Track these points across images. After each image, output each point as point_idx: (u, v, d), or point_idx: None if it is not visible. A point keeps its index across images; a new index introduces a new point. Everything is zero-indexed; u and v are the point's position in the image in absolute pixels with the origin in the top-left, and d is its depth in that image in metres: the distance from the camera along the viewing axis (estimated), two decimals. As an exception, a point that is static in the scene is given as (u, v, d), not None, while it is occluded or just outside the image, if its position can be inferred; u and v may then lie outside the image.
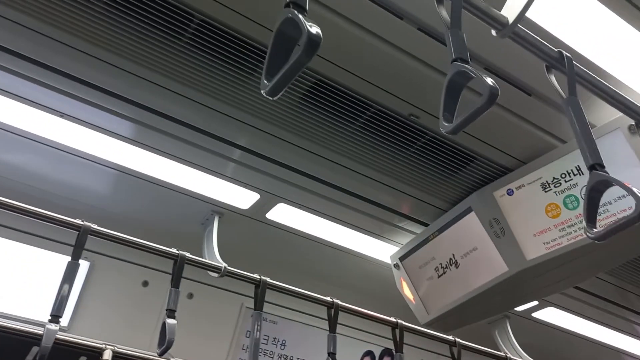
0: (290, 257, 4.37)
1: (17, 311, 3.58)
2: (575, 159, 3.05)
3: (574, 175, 3.08)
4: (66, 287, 2.05)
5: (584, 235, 1.91)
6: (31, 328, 2.09)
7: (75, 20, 2.54)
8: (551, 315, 5.16)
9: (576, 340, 5.64)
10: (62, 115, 3.02)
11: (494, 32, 1.58)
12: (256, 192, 3.68)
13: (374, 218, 3.90)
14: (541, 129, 3.13)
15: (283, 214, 3.89)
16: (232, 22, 2.54)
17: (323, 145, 3.25)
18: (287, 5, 0.98)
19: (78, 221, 2.22)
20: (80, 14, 2.51)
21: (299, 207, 3.82)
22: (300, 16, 0.93)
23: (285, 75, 0.92)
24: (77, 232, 2.18)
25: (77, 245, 2.17)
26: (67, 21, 2.54)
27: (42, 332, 1.93)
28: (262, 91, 0.97)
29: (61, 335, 2.04)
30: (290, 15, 0.95)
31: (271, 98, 0.97)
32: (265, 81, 0.96)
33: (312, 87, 2.87)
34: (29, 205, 2.13)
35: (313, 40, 0.89)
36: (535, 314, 5.12)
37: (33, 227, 3.64)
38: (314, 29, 0.89)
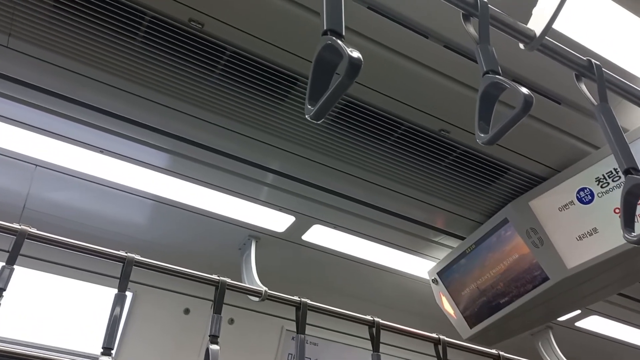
0: (327, 277, 4.39)
1: (65, 344, 3.67)
2: (610, 164, 3.03)
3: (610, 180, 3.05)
4: (115, 319, 2.10)
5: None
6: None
7: (111, 59, 2.65)
8: (595, 323, 5.06)
9: (621, 348, 5.51)
10: (102, 151, 3.13)
11: (521, 46, 1.61)
12: (291, 214, 3.72)
13: (410, 234, 3.90)
14: (573, 136, 3.13)
15: (319, 235, 3.93)
16: (262, 51, 2.63)
17: (355, 165, 3.29)
18: (324, 33, 1.02)
19: (122, 253, 2.27)
20: (116, 53, 2.62)
21: (334, 227, 3.85)
22: (340, 42, 0.98)
23: (328, 99, 0.97)
24: (122, 264, 2.24)
25: (123, 277, 2.22)
26: (104, 60, 2.65)
27: (96, 365, 1.97)
28: (306, 115, 1.01)
29: (113, 367, 2.08)
30: (329, 42, 0.99)
31: (316, 121, 1.01)
32: (309, 106, 1.00)
33: (342, 108, 2.93)
34: (70, 239, 2.20)
35: (354, 64, 0.93)
36: (578, 323, 5.03)
37: (75, 261, 3.72)
38: (355, 54, 0.93)
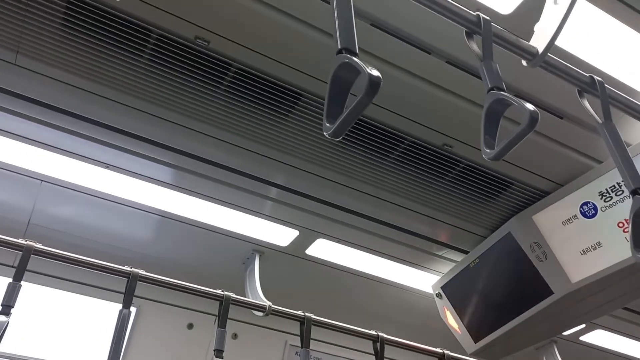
0: (331, 291, 4.38)
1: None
2: (613, 178, 3.03)
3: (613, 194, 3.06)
4: (120, 336, 2.10)
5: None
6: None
7: (117, 76, 2.68)
8: (600, 338, 5.03)
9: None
10: (107, 166, 3.15)
11: (524, 63, 1.62)
12: (295, 228, 3.73)
13: (413, 248, 3.90)
14: (575, 150, 3.14)
15: (323, 249, 3.93)
16: (267, 67, 2.65)
17: (358, 179, 3.31)
18: (339, 52, 1.03)
19: (127, 268, 2.28)
20: (123, 70, 2.65)
21: (338, 242, 3.85)
22: (358, 60, 0.98)
23: (347, 117, 0.97)
24: (127, 279, 2.24)
25: (128, 292, 2.22)
26: (110, 77, 2.68)
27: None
28: (325, 133, 1.01)
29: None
30: (346, 60, 1.00)
31: (335, 139, 1.00)
32: (328, 124, 1.01)
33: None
34: (75, 254, 2.22)
35: (374, 82, 0.93)
36: (583, 338, 5.00)
37: (79, 276, 3.72)
38: (374, 72, 0.94)
